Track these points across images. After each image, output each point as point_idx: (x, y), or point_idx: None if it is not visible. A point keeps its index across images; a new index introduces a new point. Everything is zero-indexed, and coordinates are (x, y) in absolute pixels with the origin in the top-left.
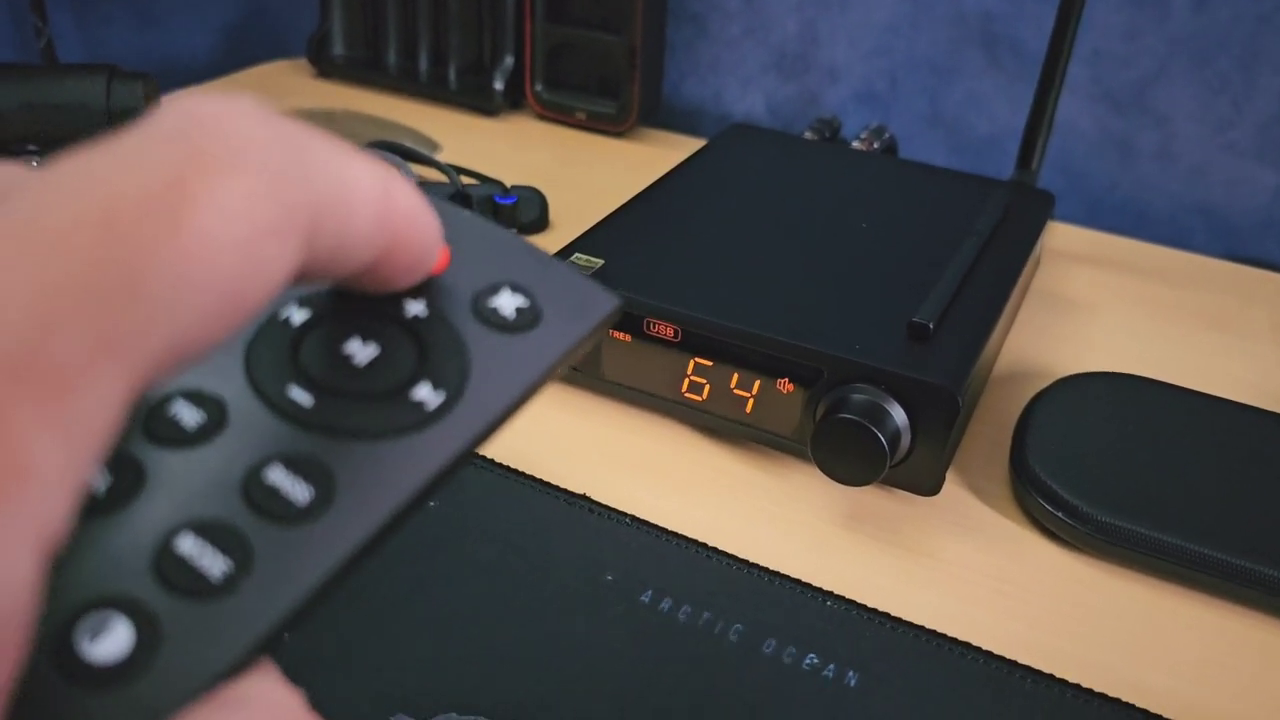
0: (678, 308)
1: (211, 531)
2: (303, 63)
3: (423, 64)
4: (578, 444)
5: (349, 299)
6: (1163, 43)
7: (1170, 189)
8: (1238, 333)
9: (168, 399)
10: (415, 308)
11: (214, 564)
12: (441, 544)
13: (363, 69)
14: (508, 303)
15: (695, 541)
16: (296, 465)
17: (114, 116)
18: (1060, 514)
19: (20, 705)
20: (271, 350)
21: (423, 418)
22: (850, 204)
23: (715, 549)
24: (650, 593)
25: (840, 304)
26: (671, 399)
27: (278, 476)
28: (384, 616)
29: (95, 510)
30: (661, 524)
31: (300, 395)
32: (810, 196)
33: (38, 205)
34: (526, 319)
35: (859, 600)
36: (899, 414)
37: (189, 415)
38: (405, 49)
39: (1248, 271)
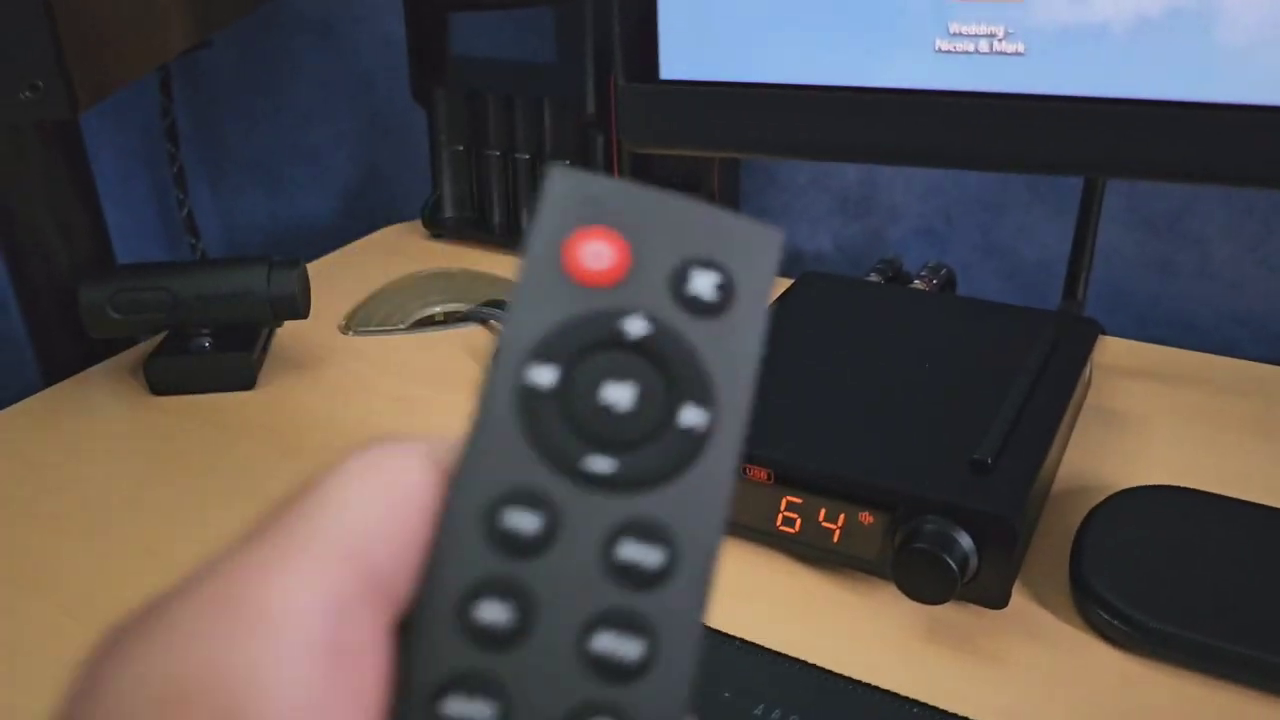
0: (771, 454)
1: (611, 621)
2: (416, 224)
3: (524, 222)
4: None
5: (567, 337)
6: None
7: (1212, 301)
8: None
9: (497, 512)
10: (635, 326)
11: (629, 649)
12: None
13: (471, 228)
14: (705, 284)
15: (798, 660)
16: (637, 531)
17: (275, 301)
18: (1115, 621)
19: None
20: (552, 422)
21: (699, 440)
22: (914, 345)
23: (815, 665)
24: (762, 706)
25: (910, 442)
26: (767, 531)
27: (629, 551)
28: None
29: (509, 642)
30: (766, 644)
31: (600, 463)
32: (879, 340)
33: None
34: (727, 293)
35: (940, 705)
36: (966, 541)
37: (528, 523)
38: (508, 209)
39: None
